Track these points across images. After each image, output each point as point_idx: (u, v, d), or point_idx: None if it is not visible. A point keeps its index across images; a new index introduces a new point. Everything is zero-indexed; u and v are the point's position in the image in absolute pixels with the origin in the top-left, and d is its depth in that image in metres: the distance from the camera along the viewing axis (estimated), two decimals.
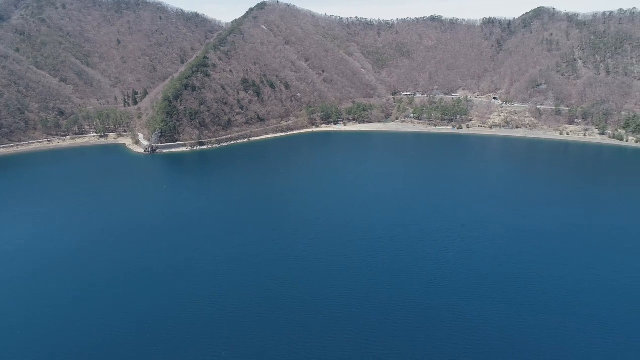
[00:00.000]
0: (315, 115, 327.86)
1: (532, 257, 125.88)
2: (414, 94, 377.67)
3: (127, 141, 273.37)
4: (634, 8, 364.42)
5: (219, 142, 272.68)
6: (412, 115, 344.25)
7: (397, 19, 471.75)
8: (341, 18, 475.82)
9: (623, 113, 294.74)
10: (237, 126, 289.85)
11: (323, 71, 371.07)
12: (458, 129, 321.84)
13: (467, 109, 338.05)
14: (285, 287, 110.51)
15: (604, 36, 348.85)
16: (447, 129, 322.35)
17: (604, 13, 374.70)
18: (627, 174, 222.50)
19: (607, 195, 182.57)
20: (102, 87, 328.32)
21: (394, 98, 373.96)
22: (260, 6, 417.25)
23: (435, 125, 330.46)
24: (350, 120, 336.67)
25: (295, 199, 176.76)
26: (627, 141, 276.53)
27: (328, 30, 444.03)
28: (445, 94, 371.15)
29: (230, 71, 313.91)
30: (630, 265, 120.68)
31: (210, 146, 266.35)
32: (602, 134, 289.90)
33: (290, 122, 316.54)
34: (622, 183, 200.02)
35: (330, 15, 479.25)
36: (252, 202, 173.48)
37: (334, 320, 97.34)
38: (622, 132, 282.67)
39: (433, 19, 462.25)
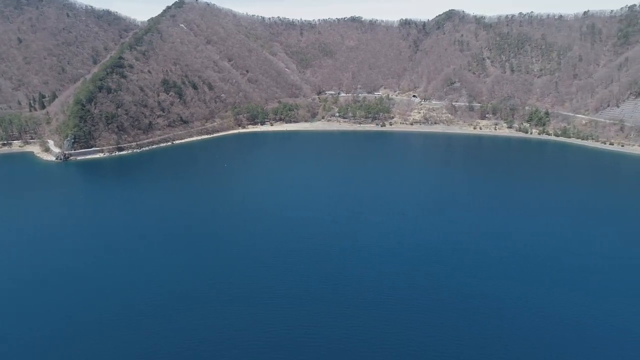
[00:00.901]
0: (241, 116, 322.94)
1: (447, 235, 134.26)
2: (339, 93, 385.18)
3: (35, 149, 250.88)
4: (532, 12, 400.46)
5: (140, 146, 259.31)
6: (337, 114, 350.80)
7: (319, 19, 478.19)
8: (263, 18, 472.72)
9: (527, 108, 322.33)
10: (159, 129, 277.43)
11: (247, 71, 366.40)
12: (382, 126, 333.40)
13: (389, 107, 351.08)
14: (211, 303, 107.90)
15: (507, 37, 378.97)
16: (371, 127, 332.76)
17: (507, 16, 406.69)
18: (533, 161, 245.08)
19: (515, 180, 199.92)
20: (2, 90, 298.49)
21: (319, 97, 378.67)
22: (178, 4, 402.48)
23: (360, 123, 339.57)
24: (277, 121, 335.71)
25: (224, 203, 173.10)
26: (531, 133, 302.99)
27: (250, 29, 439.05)
28: (368, 92, 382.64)
29: (149, 72, 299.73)
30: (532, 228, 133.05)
31: (130, 151, 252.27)
32: (510, 127, 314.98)
33: (215, 123, 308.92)
34: (528, 169, 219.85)
35: (252, 15, 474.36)
36: (178, 209, 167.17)
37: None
38: (527, 125, 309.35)
39: (353, 19, 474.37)
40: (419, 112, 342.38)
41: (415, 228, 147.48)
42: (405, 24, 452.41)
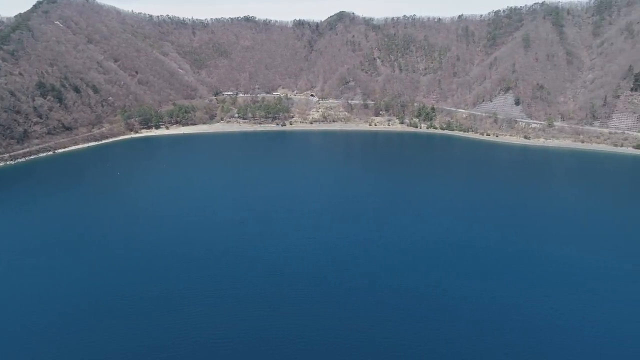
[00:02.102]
0: (132, 120, 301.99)
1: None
2: (237, 94, 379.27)
3: None
4: (414, 15, 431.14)
5: (14, 157, 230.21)
6: (237, 115, 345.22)
7: (212, 19, 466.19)
8: (151, 16, 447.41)
9: (415, 104, 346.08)
10: (37, 138, 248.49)
11: (136, 72, 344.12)
12: (282, 126, 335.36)
13: (288, 107, 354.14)
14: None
15: (394, 38, 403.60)
16: (272, 127, 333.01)
17: (392, 18, 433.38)
18: (424, 152, 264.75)
19: (408, 171, 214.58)
20: None
21: (216, 98, 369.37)
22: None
23: (260, 123, 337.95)
24: (172, 124, 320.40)
25: (118, 212, 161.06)
26: (420, 128, 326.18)
27: (137, 28, 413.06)
28: (267, 92, 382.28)
29: (20, 74, 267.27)
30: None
31: (2, 163, 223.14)
32: (402, 122, 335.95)
33: (104, 129, 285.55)
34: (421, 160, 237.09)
35: (139, 13, 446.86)
36: (63, 224, 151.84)
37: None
38: (416, 120, 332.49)
39: (247, 19, 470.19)
40: (318, 111, 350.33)
41: (320, 224, 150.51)
42: (299, 24, 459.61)
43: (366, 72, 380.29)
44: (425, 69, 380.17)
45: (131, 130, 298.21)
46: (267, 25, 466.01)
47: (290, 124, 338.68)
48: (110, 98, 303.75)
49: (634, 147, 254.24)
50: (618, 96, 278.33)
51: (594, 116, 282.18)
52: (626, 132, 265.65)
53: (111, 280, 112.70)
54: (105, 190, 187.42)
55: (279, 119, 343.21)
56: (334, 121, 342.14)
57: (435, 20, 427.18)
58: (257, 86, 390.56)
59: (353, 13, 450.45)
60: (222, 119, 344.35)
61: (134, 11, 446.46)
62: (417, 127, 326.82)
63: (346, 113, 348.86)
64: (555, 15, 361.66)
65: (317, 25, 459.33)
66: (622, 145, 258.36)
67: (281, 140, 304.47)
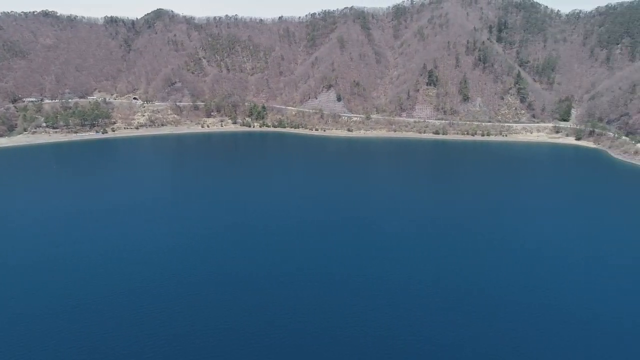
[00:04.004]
0: None
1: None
2: (42, 100, 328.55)
3: None
4: (236, 15, 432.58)
5: None
6: (45, 125, 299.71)
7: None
8: None
9: (246, 104, 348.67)
10: None
11: None
12: (103, 133, 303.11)
13: (108, 112, 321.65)
14: None
15: (218, 38, 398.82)
16: (91, 135, 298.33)
17: (215, 18, 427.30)
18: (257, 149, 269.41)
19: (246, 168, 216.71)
20: None
21: (15, 106, 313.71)
22: None
23: (76, 132, 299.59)
24: None
25: None
26: (253, 127, 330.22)
27: None
28: (80, 97, 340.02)
29: None
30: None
31: None
32: (235, 122, 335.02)
33: None
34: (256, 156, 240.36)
35: None
36: None
37: None
38: (249, 119, 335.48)
39: (46, 14, 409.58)
40: (144, 115, 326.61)
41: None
42: (112, 21, 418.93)
43: (193, 73, 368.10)
44: (253, 68, 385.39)
45: None
46: (72, 21, 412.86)
47: (113, 131, 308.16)
48: None
49: (433, 133, 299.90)
50: (418, 90, 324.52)
51: (401, 108, 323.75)
52: (426, 120, 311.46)
53: None
54: None
55: (98, 125, 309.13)
56: (162, 125, 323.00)
57: (258, 21, 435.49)
58: (67, 90, 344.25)
59: (172, 11, 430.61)
60: (25, 130, 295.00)
61: None
62: (250, 126, 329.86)
63: (175, 116, 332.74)
64: (362, 19, 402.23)
65: (133, 23, 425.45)
66: (424, 132, 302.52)
67: (101, 150, 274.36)
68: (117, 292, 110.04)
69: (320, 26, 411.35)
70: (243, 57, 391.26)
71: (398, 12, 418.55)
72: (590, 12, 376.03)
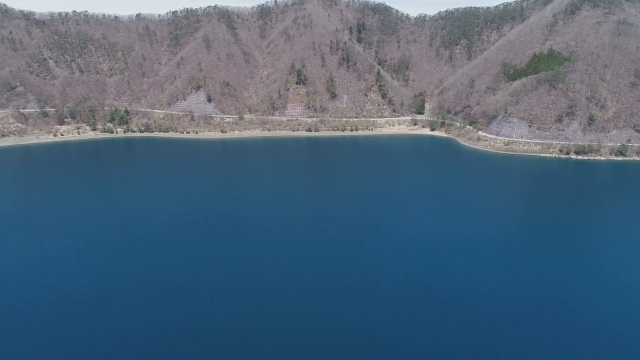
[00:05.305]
0: None
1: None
2: None
3: None
4: (86, 11, 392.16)
5: None
6: None
7: None
8: None
9: (106, 108, 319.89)
10: None
11: None
12: None
13: None
14: None
15: (67, 36, 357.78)
16: None
17: (60, 14, 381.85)
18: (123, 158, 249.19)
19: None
20: None
21: None
22: None
23: None
24: None
25: None
26: (116, 133, 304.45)
27: None
28: None
29: None
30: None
31: None
32: (94, 129, 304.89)
33: None
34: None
35: None
36: None
37: None
38: (111, 125, 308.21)
39: None
40: None
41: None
42: None
43: (38, 75, 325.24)
44: (111, 69, 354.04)
45: None
46: None
47: None
48: None
49: (306, 130, 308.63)
50: (288, 89, 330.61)
51: (273, 107, 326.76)
52: (299, 118, 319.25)
53: None
54: None
55: None
56: (4, 136, 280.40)
57: (112, 18, 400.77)
58: None
59: (5, 5, 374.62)
60: None
61: None
62: (112, 132, 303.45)
63: (19, 124, 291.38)
64: (227, 18, 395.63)
65: None
66: (297, 130, 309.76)
67: None
68: None
69: (183, 25, 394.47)
70: (98, 57, 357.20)
71: (263, 12, 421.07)
72: (434, 16, 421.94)
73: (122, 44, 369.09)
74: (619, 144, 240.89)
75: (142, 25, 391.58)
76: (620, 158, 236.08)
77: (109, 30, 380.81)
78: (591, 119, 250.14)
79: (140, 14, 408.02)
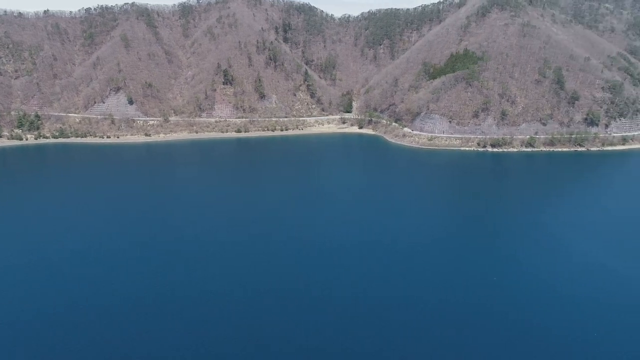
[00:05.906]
0: None
1: None
2: None
3: None
4: None
5: None
6: None
7: None
8: None
9: (13, 113, 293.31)
10: None
11: None
12: None
13: None
14: None
15: None
16: None
17: None
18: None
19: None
20: None
21: None
22: None
23: None
24: None
25: None
26: (26, 139, 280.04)
27: None
28: None
29: None
30: None
31: None
32: (0, 136, 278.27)
33: None
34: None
35: None
36: None
37: None
38: (19, 131, 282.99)
39: None
40: None
41: None
42: None
43: None
44: (16, 71, 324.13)
45: None
46: None
47: None
48: None
49: (235, 131, 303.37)
50: (215, 90, 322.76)
51: (200, 108, 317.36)
52: (227, 119, 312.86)
53: None
54: None
55: None
56: None
57: (16, 14, 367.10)
58: None
59: None
60: None
61: None
62: (22, 139, 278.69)
63: None
64: (147, 16, 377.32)
65: None
66: (226, 131, 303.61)
67: None
68: None
69: (98, 23, 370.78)
70: (1, 57, 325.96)
71: (185, 11, 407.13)
72: (357, 17, 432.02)
73: (28, 43, 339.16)
74: (528, 137, 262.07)
75: (52, 23, 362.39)
76: (529, 149, 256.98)
77: (13, 27, 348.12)
78: (503, 114, 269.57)
79: (48, 10, 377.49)
